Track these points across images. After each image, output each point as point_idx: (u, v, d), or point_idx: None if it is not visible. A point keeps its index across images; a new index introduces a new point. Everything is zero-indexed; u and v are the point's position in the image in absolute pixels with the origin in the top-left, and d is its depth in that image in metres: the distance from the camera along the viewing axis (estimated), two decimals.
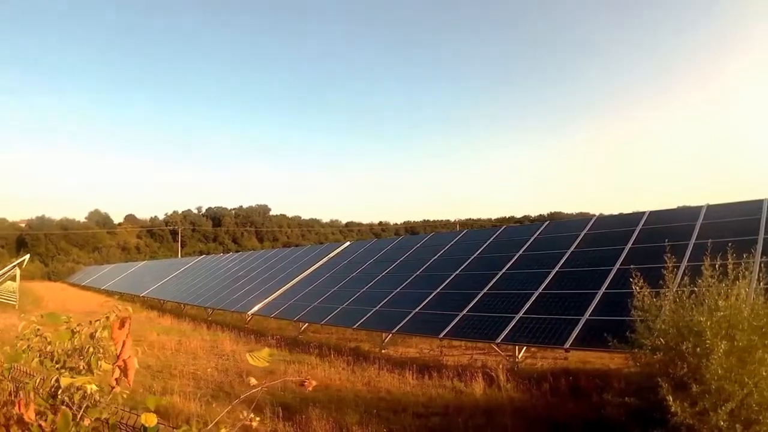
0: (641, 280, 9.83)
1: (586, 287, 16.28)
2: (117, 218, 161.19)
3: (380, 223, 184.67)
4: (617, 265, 16.70)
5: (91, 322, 4.03)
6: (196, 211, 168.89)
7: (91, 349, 3.96)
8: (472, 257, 22.70)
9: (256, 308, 28.04)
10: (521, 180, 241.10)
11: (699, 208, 18.58)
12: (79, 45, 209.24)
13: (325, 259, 32.43)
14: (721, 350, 7.91)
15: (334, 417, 11.68)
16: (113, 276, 67.22)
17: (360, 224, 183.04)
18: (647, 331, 9.21)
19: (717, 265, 9.17)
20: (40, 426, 3.16)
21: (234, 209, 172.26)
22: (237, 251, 70.72)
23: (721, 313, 8.34)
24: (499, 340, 15.57)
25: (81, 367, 3.91)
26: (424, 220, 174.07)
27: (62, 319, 3.99)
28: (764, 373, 7.93)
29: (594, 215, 25.13)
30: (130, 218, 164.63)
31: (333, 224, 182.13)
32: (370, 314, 20.99)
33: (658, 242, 15.24)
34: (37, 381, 3.81)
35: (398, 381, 15.32)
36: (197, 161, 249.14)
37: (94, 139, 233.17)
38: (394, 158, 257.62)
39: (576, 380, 13.71)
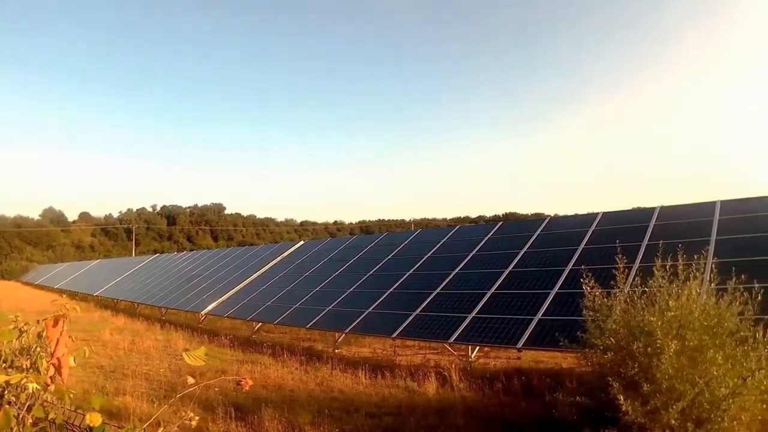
0: (592, 281, 9.89)
1: (539, 287, 16.37)
2: (71, 216, 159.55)
3: (335, 223, 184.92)
4: (570, 266, 16.84)
5: (38, 321, 3.95)
6: (150, 210, 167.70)
7: (38, 349, 3.88)
8: (426, 257, 22.74)
9: (209, 308, 27.91)
10: (477, 180, 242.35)
11: (652, 209, 18.77)
12: (21, 38, 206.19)
13: (278, 259, 32.32)
14: (672, 350, 7.99)
15: (286, 417, 11.65)
16: (67, 275, 66.60)
17: (315, 223, 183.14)
18: (598, 331, 9.27)
19: (668, 266, 9.24)
20: None
21: (189, 208, 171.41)
22: (191, 250, 70.31)
23: (672, 314, 8.43)
24: (452, 339, 15.63)
25: (26, 367, 3.83)
26: (379, 220, 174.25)
27: (10, 318, 3.91)
28: (715, 373, 8.00)
29: (548, 216, 25.28)
30: (84, 216, 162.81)
31: (288, 223, 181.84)
32: (323, 314, 20.97)
33: (611, 243, 15.44)
34: None
35: (351, 381, 15.32)
36: (152, 159, 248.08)
37: (48, 136, 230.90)
38: (350, 158, 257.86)
39: (529, 380, 13.79)
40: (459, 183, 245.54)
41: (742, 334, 8.61)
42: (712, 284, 9.44)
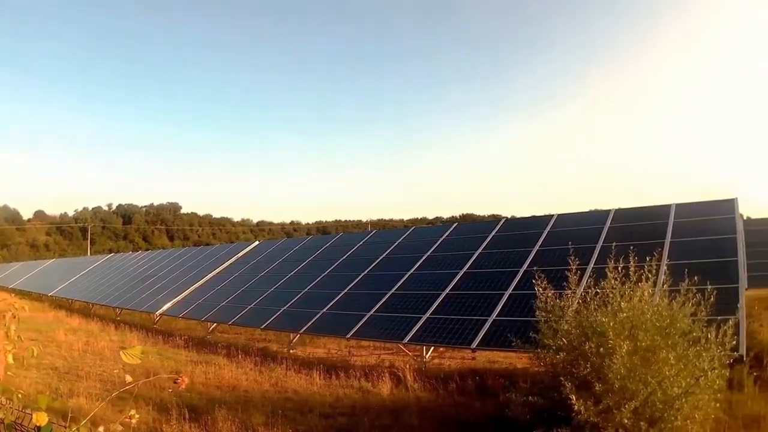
0: (544, 282, 9.94)
1: (494, 288, 16.41)
2: (26, 214, 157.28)
3: (292, 223, 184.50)
4: (525, 267, 16.90)
5: None
6: (106, 208, 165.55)
7: None
8: (381, 258, 22.72)
9: (164, 308, 27.73)
10: (435, 182, 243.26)
11: (607, 212, 18.89)
12: None
13: (233, 259, 32.09)
14: (624, 350, 8.06)
15: (240, 418, 11.57)
16: (21, 274, 65.41)
17: (272, 223, 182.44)
18: (551, 331, 9.32)
19: (620, 268, 9.32)
20: None
21: (145, 207, 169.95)
22: (147, 250, 69.72)
23: (624, 314, 8.51)
24: (406, 340, 15.68)
25: None
26: (336, 220, 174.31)
27: None
28: (667, 372, 8.09)
29: (505, 217, 25.36)
30: (39, 215, 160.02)
31: (244, 223, 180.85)
32: (278, 314, 20.91)
33: (566, 244, 15.49)
34: None
35: (306, 381, 15.27)
36: (108, 157, 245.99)
37: (3, 133, 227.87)
38: (306, 157, 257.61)
39: (483, 380, 13.81)
40: (417, 184, 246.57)
41: (694, 334, 8.72)
42: (665, 286, 9.55)
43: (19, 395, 3.43)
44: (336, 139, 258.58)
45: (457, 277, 18.05)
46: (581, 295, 9.81)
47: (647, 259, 9.57)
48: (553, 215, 20.17)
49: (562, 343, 8.89)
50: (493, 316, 14.96)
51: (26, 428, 3.64)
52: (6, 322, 3.43)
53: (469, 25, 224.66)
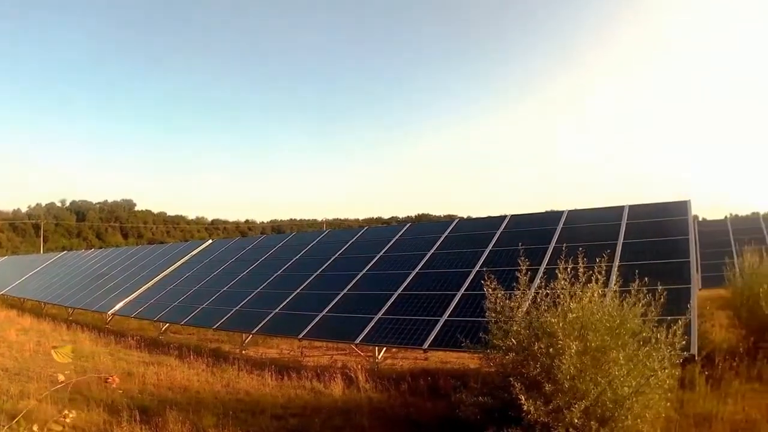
0: (495, 282, 9.91)
1: (446, 288, 16.39)
2: None
3: (247, 221, 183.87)
4: (477, 267, 16.87)
5: None
6: (60, 205, 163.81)
7: None
8: (334, 257, 22.61)
9: (116, 308, 27.32)
10: (391, 181, 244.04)
11: (560, 213, 18.92)
12: None
13: (187, 257, 31.78)
14: (573, 350, 8.09)
15: (191, 419, 11.44)
16: None
17: (226, 222, 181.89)
18: (501, 332, 9.32)
19: (570, 269, 9.33)
20: None
21: (99, 203, 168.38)
22: (101, 248, 69.03)
23: (574, 315, 8.50)
24: (358, 340, 15.61)
25: None
26: (291, 219, 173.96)
27: None
28: (617, 372, 8.10)
29: (460, 217, 25.41)
30: None
31: (199, 221, 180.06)
32: (230, 314, 20.72)
33: (518, 245, 15.44)
34: None
35: (258, 382, 15.15)
36: (62, 152, 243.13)
37: None
38: (261, 157, 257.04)
39: (435, 380, 13.76)
40: (373, 184, 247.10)
41: (644, 334, 8.74)
42: (615, 286, 9.58)
43: None
44: (293, 139, 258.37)
45: (410, 277, 18.03)
46: (533, 295, 9.81)
47: (599, 260, 9.58)
48: (506, 216, 20.18)
49: (511, 343, 8.90)
50: (445, 316, 14.95)
51: None
52: None
53: (423, 24, 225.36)
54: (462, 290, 15.94)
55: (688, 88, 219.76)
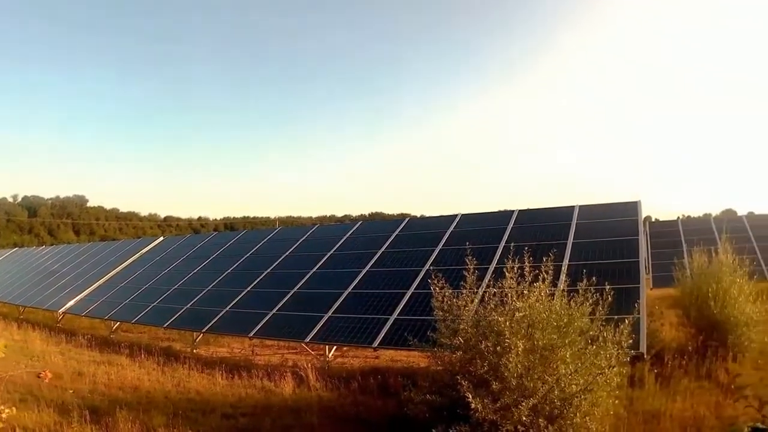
0: (443, 281, 9.96)
1: (397, 287, 16.44)
2: None
3: (199, 219, 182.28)
4: (427, 266, 16.93)
5: None
6: (11, 200, 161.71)
7: None
8: (285, 255, 22.57)
9: (68, 306, 26.99)
10: (345, 180, 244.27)
11: (511, 212, 19.02)
12: None
13: (138, 255, 31.49)
14: (520, 349, 8.12)
15: (141, 419, 11.31)
16: None
17: (179, 219, 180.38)
18: (448, 330, 9.34)
19: (520, 268, 9.34)
20: None
21: (51, 199, 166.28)
22: (53, 244, 68.32)
23: (521, 314, 8.51)
24: (308, 339, 15.62)
25: None
26: (244, 217, 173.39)
27: None
28: (564, 371, 8.14)
29: (413, 216, 25.44)
30: None
31: (151, 218, 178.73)
32: (181, 312, 20.63)
33: (468, 244, 15.46)
34: None
35: (208, 381, 15.06)
36: (10, 146, 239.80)
37: None
38: (216, 154, 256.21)
39: (385, 378, 13.80)
40: (326, 182, 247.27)
41: (592, 333, 8.79)
42: (562, 286, 9.63)
43: None
44: (247, 136, 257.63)
45: (360, 276, 18.06)
46: (482, 294, 9.84)
47: (547, 259, 9.63)
48: (457, 215, 20.24)
49: (459, 342, 8.93)
50: (395, 315, 15.02)
51: None
52: None
53: (373, 23, 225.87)
54: (412, 289, 16.01)
55: (640, 92, 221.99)
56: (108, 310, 24.15)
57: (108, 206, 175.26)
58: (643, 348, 11.17)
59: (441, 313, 9.82)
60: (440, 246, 18.11)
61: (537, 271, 9.29)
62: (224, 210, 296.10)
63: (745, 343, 14.64)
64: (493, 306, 8.87)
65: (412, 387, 9.27)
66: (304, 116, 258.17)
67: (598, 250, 15.28)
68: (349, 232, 22.48)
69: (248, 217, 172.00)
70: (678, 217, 48.24)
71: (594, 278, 9.58)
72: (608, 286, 9.35)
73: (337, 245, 21.44)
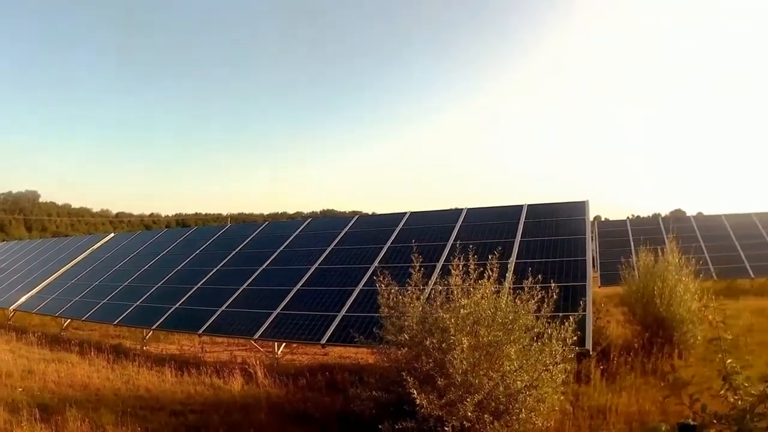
0: (389, 278, 10.07)
1: (345, 284, 16.47)
2: None
3: (151, 215, 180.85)
4: (376, 263, 16.96)
5: None
6: None
7: None
8: (235, 252, 22.50)
9: (18, 303, 26.70)
10: (298, 177, 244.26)
11: (459, 210, 19.12)
12: None
13: (89, 251, 31.10)
14: (465, 345, 8.21)
15: (91, 417, 11.23)
16: None
17: (131, 215, 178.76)
18: (394, 327, 9.42)
19: (468, 266, 9.43)
20: None
21: (2, 195, 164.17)
22: (3, 240, 67.55)
23: (466, 311, 8.60)
24: (257, 335, 15.62)
25: None
26: (196, 213, 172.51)
27: None
28: (509, 367, 8.24)
29: (365, 213, 25.47)
30: None
31: (103, 214, 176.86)
32: (131, 309, 20.47)
33: (417, 242, 15.50)
34: None
35: (158, 378, 14.99)
36: None
37: None
38: (167, 149, 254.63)
39: (333, 375, 13.91)
40: (278, 179, 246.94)
41: (537, 330, 8.89)
42: (510, 283, 9.74)
43: None
44: (200, 131, 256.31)
45: (310, 273, 18.05)
46: (430, 292, 9.91)
47: (494, 257, 9.72)
48: (406, 213, 20.31)
49: (404, 339, 9.00)
50: (344, 311, 15.06)
51: None
52: None
53: (342, 27, 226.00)
54: (360, 286, 16.05)
55: (601, 93, 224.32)
56: (59, 307, 23.93)
57: (60, 202, 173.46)
58: (589, 345, 11.29)
59: (387, 310, 9.88)
60: (389, 243, 18.17)
61: (483, 269, 9.39)
62: (176, 206, 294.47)
63: (691, 340, 14.88)
64: (439, 303, 8.98)
65: (360, 383, 9.31)
66: (259, 114, 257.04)
67: (545, 248, 15.42)
68: (299, 229, 22.48)
69: (200, 213, 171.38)
70: (627, 217, 48.90)
71: (541, 276, 9.65)
72: (554, 284, 9.50)
73: (287, 242, 21.43)
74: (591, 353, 11.71)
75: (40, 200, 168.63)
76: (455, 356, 8.11)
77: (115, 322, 20.31)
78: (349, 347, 16.02)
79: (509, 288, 9.79)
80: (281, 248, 21.04)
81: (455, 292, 9.00)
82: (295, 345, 17.86)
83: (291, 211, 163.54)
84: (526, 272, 9.88)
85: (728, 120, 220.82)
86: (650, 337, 15.25)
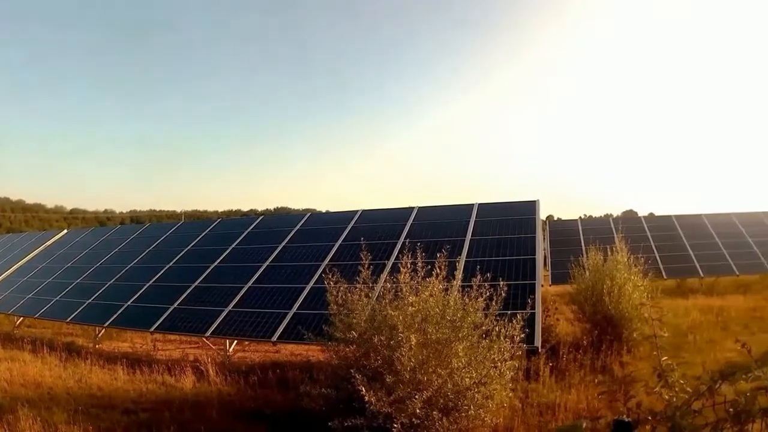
0: (338, 275, 10.09)
1: (297, 281, 16.49)
2: None
3: (105, 211, 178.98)
4: (327, 260, 17.00)
5: None
6: None
7: None
8: (186, 249, 22.42)
9: None
10: (250, 175, 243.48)
11: (411, 209, 19.27)
12: None
13: (42, 247, 30.69)
14: (413, 342, 8.30)
15: (43, 416, 11.14)
16: None
17: (85, 212, 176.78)
18: (342, 324, 9.50)
19: (418, 263, 9.52)
20: None
21: None
22: None
23: (414, 308, 8.72)
24: (208, 333, 15.60)
25: None
26: (151, 210, 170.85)
27: None
28: (457, 364, 8.35)
29: (318, 211, 25.49)
30: None
31: (57, 210, 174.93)
32: (84, 306, 20.30)
33: (369, 240, 15.59)
34: None
35: (110, 377, 14.93)
36: None
37: None
38: (122, 145, 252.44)
39: (284, 372, 13.92)
40: (232, 177, 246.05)
41: (484, 328, 9.01)
42: (458, 281, 9.85)
43: None
44: (154, 126, 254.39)
45: (261, 270, 18.06)
46: (380, 289, 10.00)
47: (442, 255, 9.83)
48: (358, 211, 20.39)
49: (352, 336, 9.09)
50: (294, 309, 15.11)
51: None
52: None
53: (307, 24, 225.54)
54: (311, 283, 16.08)
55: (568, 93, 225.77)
56: (11, 304, 23.68)
57: (14, 198, 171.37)
58: (538, 342, 11.44)
59: (336, 308, 9.93)
60: (340, 241, 18.21)
61: (434, 267, 9.50)
62: (131, 203, 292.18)
63: (639, 337, 15.09)
64: (388, 301, 9.05)
65: (310, 381, 9.36)
66: (215, 111, 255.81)
67: (496, 247, 15.55)
68: (251, 226, 22.47)
69: (154, 210, 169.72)
70: (579, 217, 49.43)
71: (490, 274, 9.77)
72: (503, 282, 9.61)
73: (239, 239, 21.41)
74: (540, 351, 11.88)
75: None
76: (403, 353, 8.20)
77: (68, 320, 20.19)
78: (300, 344, 15.89)
79: (458, 286, 9.86)
80: (233, 245, 21.02)
81: (404, 289, 9.06)
82: (246, 342, 17.87)
83: (245, 208, 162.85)
84: (475, 270, 9.98)
85: (685, 121, 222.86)
86: (599, 334, 15.48)
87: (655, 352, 4.59)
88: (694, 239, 36.18)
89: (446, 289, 9.42)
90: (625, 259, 16.42)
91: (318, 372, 10.36)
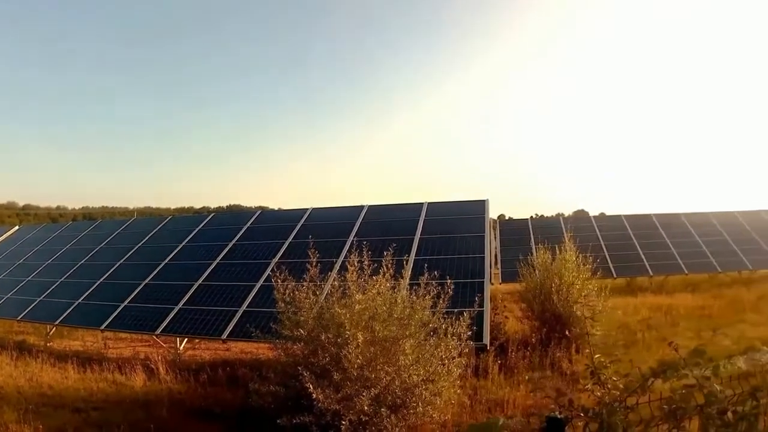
0: (286, 273, 10.09)
1: (246, 279, 16.51)
2: None
3: (58, 208, 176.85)
4: (277, 258, 17.05)
5: None
6: None
7: None
8: (137, 246, 22.27)
9: None
10: (207, 172, 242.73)
11: (360, 207, 19.37)
12: None
13: None
14: (360, 340, 8.38)
15: None
16: None
17: (38, 208, 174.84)
18: (290, 322, 9.55)
19: (366, 262, 9.61)
20: None
21: None
22: None
23: (361, 306, 8.80)
24: (158, 331, 15.54)
25: None
26: (103, 207, 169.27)
27: None
28: (404, 362, 8.44)
29: (269, 209, 25.42)
30: None
31: (9, 206, 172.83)
32: (35, 304, 20.07)
33: (318, 238, 15.64)
34: None
35: (61, 375, 14.84)
36: None
37: None
38: (76, 141, 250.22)
39: (234, 370, 13.95)
40: (189, 174, 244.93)
41: (432, 326, 9.13)
42: (406, 279, 9.96)
43: None
44: (106, 123, 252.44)
45: (212, 267, 18.05)
46: (329, 287, 10.07)
47: (388, 254, 9.92)
48: (308, 209, 20.46)
49: (300, 333, 9.15)
50: (244, 306, 15.13)
51: None
52: None
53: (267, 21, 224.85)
54: (261, 281, 16.10)
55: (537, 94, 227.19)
56: None
57: None
58: (486, 340, 11.59)
59: (284, 305, 9.99)
60: (290, 239, 18.24)
61: (375, 265, 9.60)
62: (83, 200, 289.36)
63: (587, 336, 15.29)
64: (336, 299, 9.14)
65: (260, 379, 9.41)
66: (165, 109, 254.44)
67: (445, 245, 15.68)
68: (202, 224, 22.42)
69: (107, 207, 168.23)
70: (530, 216, 49.83)
71: (438, 273, 9.92)
72: (450, 280, 9.72)
73: (190, 237, 21.34)
74: (488, 348, 12.02)
75: None
76: (350, 351, 8.26)
77: (18, 318, 19.99)
78: (250, 342, 16.04)
79: (407, 284, 9.96)
80: (185, 243, 20.96)
81: (352, 287, 9.14)
82: (197, 340, 17.82)
83: (197, 205, 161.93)
84: (424, 269, 10.09)
85: (644, 120, 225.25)
86: (548, 332, 15.63)
87: (587, 350, 4.72)
88: (644, 239, 36.54)
89: (394, 287, 9.53)
90: (574, 258, 16.58)
91: (267, 370, 10.36)
